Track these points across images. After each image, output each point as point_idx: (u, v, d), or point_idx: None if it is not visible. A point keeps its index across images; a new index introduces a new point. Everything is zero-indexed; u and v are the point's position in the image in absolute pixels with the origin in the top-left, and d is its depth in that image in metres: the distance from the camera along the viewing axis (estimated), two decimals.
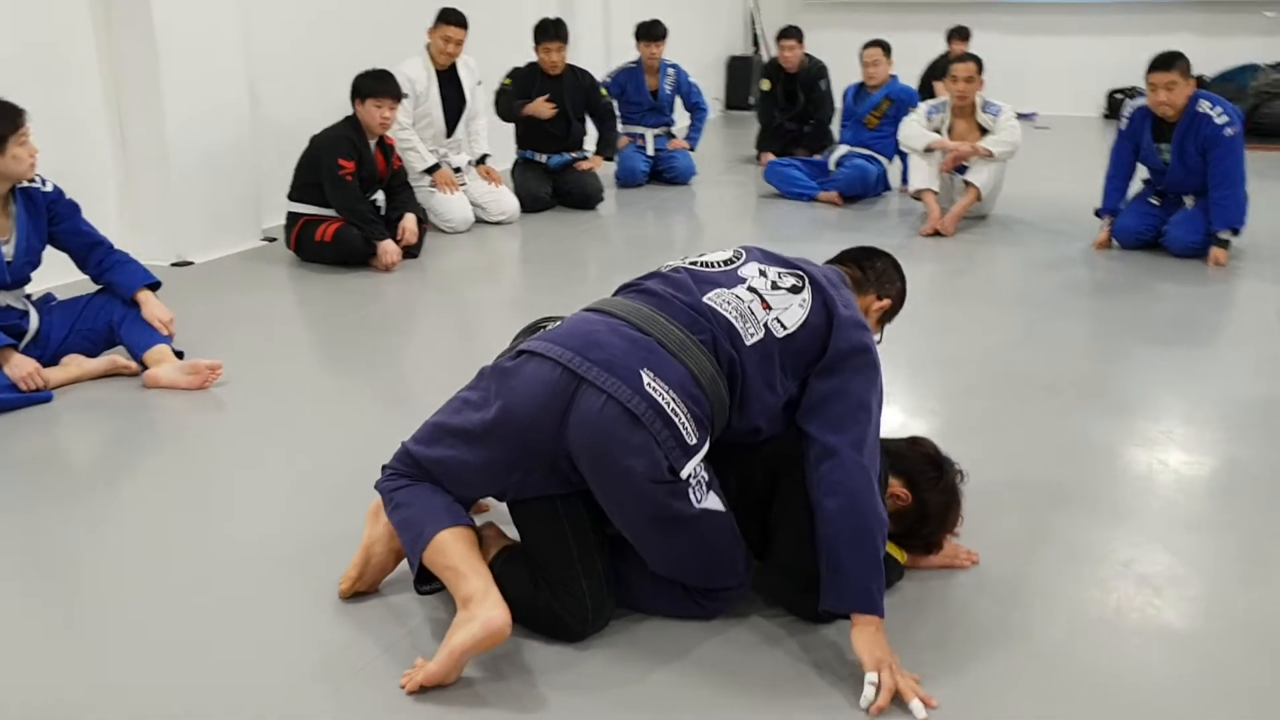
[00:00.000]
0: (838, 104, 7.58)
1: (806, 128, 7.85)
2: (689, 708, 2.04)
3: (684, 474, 2.13)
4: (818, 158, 7.13)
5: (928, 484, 2.43)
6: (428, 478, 2.28)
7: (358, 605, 2.36)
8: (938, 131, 6.00)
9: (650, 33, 7.33)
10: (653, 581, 2.29)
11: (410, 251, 5.35)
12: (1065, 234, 5.81)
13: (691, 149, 7.56)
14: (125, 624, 2.32)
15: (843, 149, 6.91)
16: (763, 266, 2.41)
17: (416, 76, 5.90)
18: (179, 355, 3.73)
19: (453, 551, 2.16)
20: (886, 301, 2.60)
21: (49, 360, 3.63)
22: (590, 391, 2.12)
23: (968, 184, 5.84)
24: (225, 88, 5.31)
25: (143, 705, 2.04)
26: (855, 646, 2.08)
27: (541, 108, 6.45)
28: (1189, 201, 5.28)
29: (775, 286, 2.35)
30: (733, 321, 2.26)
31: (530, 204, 6.49)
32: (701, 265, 2.42)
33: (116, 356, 3.73)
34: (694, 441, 2.14)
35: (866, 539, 2.12)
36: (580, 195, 6.61)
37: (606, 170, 7.15)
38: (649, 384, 2.12)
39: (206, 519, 2.81)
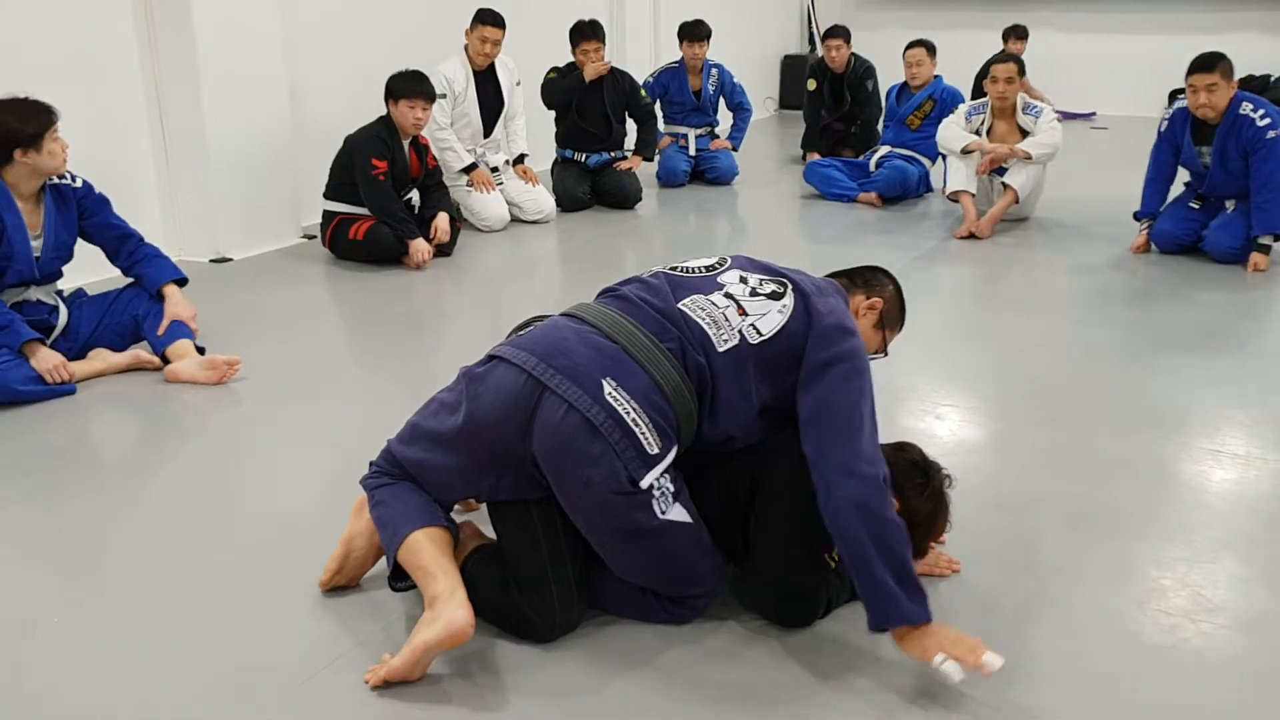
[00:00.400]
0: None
1: (854, 128, 7.78)
2: (650, 716, 2.05)
3: (645, 484, 2.13)
4: (859, 158, 7.08)
5: (914, 490, 2.40)
6: (408, 477, 2.32)
7: (339, 599, 2.41)
8: (978, 133, 5.92)
9: (693, 33, 7.32)
10: (623, 586, 2.30)
11: (443, 249, 5.41)
12: (1104, 238, 5.70)
13: (734, 149, 7.55)
14: (126, 607, 2.40)
15: (884, 149, 6.86)
16: (744, 274, 2.40)
17: (455, 77, 5.97)
18: (201, 351, 3.82)
19: (424, 552, 2.20)
20: (877, 300, 2.52)
21: (76, 353, 3.74)
22: (552, 399, 2.14)
23: (1005, 186, 5.75)
24: (264, 89, 5.42)
25: (113, 684, 2.11)
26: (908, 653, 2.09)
27: (598, 68, 6.49)
28: (1229, 205, 5.16)
29: (754, 293, 2.33)
30: (705, 328, 2.26)
31: (568, 203, 6.53)
32: (682, 271, 2.43)
33: (140, 351, 3.84)
34: (655, 451, 2.14)
35: (886, 550, 2.06)
36: (619, 195, 6.63)
37: (648, 170, 7.17)
38: (610, 393, 2.13)
39: (215, 510, 2.89)
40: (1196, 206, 5.27)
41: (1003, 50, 10.00)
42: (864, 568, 2.07)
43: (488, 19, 5.90)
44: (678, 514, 2.21)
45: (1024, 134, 5.88)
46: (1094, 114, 10.44)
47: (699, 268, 2.44)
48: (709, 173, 7.41)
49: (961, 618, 2.30)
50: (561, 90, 6.53)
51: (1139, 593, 2.44)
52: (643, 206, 6.74)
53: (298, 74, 5.74)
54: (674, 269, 2.44)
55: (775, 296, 2.33)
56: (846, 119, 7.78)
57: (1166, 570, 2.53)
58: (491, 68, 6.11)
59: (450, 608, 2.09)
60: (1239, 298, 4.72)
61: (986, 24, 10.42)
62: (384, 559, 2.39)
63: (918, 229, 6.00)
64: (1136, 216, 5.42)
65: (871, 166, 6.81)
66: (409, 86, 5.16)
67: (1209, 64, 4.90)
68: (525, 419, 2.16)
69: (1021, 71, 5.85)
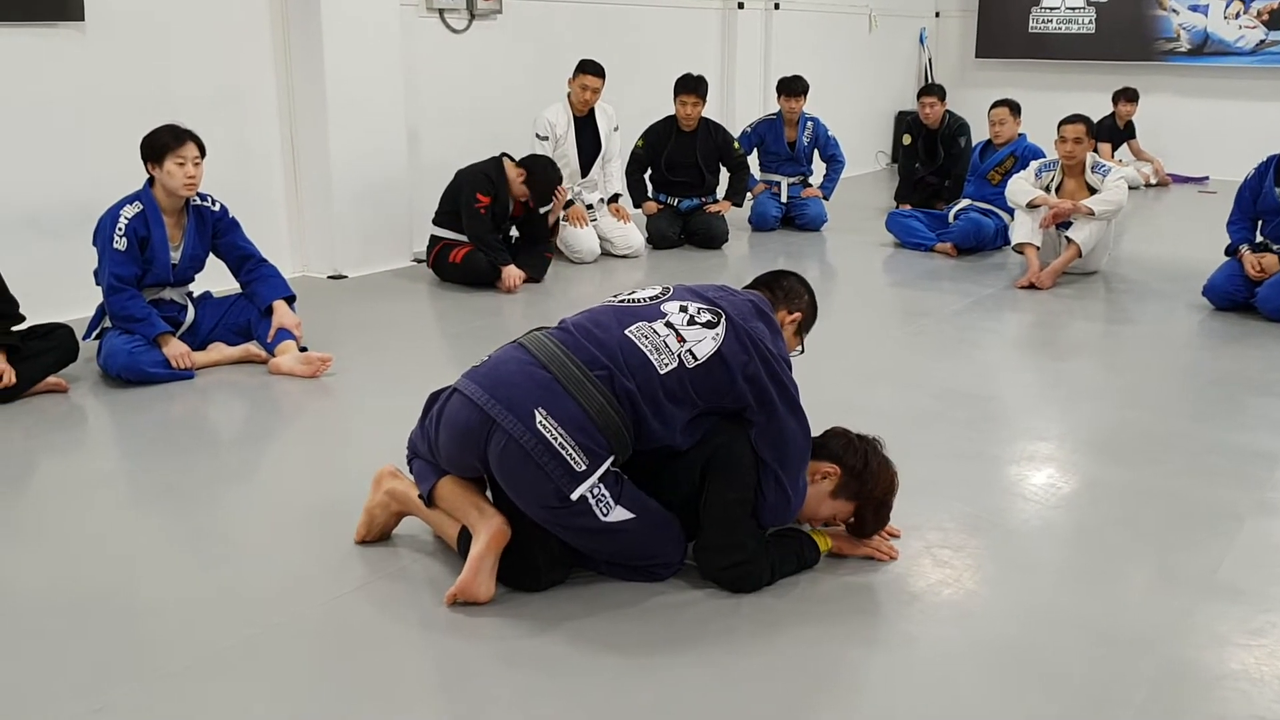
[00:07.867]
0: None
1: (947, 182, 8.08)
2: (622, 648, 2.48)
3: (575, 497, 2.54)
4: (939, 210, 7.39)
5: (849, 453, 2.81)
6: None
7: (371, 549, 2.94)
8: (1047, 190, 6.19)
9: (791, 88, 7.75)
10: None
11: (534, 277, 5.95)
12: (1162, 294, 5.88)
13: (825, 198, 7.92)
14: (217, 540, 3.02)
15: (964, 202, 7.15)
16: (684, 303, 2.76)
17: (556, 121, 6.55)
18: (303, 350, 4.41)
19: (451, 496, 2.73)
20: (797, 314, 2.98)
21: (198, 345, 4.40)
22: (498, 433, 2.57)
23: (1069, 240, 6.00)
24: (386, 129, 6.11)
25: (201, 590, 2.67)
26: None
27: (649, 207, 7.21)
28: None
29: (692, 321, 2.71)
30: (647, 355, 2.64)
31: (659, 242, 7.03)
32: (630, 301, 2.81)
33: (250, 347, 4.47)
34: (582, 469, 2.54)
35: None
36: (706, 235, 7.10)
37: (740, 214, 7.62)
38: (540, 422, 2.54)
39: (296, 474, 3.52)
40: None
41: (1112, 113, 10.19)
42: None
43: (588, 68, 6.47)
44: (618, 515, 2.61)
45: (1092, 191, 6.11)
46: (1207, 179, 10.44)
47: (645, 298, 2.81)
48: (799, 219, 7.81)
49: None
50: (635, 181, 7.18)
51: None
52: (732, 248, 7.17)
53: (416, 118, 6.42)
54: (621, 300, 2.82)
55: (710, 325, 2.70)
56: (940, 173, 8.08)
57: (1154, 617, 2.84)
58: (591, 113, 6.67)
59: (485, 523, 2.61)
60: None
61: (1100, 85, 10.58)
62: (404, 521, 2.97)
63: (983, 278, 6.27)
64: (1229, 251, 5.60)
65: (950, 218, 7.11)
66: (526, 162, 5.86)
67: None
68: (481, 451, 2.61)
69: (1089, 131, 6.09)
